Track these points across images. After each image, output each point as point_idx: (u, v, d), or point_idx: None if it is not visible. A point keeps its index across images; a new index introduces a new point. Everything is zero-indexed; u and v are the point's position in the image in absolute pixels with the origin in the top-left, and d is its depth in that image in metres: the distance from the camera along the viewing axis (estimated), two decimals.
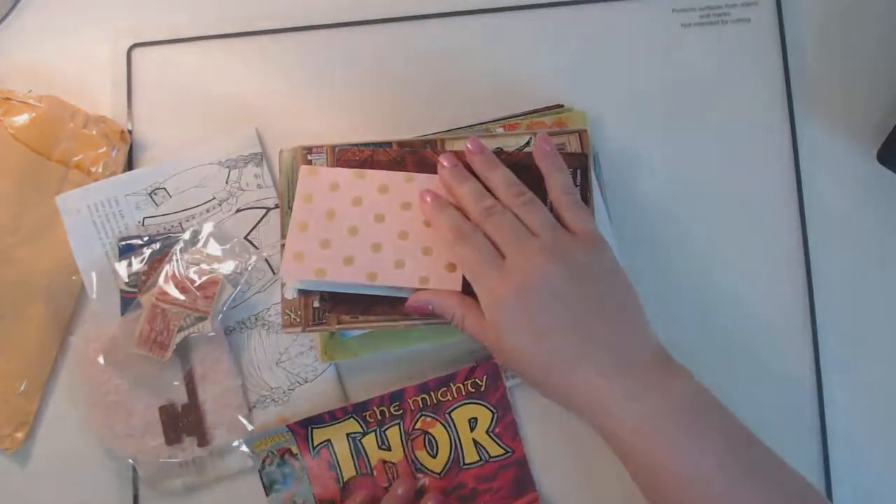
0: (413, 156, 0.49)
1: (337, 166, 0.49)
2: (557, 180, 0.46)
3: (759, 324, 0.51)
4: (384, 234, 0.47)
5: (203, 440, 0.51)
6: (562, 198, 0.46)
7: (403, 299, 0.47)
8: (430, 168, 0.49)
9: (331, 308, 0.48)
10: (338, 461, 0.50)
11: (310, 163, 0.49)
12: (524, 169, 0.47)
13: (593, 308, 0.42)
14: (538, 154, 0.47)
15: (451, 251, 0.46)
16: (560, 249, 0.43)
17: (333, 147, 0.49)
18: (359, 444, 0.50)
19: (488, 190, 0.47)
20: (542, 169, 0.47)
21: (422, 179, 0.48)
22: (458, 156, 0.48)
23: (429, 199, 0.47)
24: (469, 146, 0.48)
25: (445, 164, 0.47)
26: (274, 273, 0.53)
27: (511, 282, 0.42)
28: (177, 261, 0.51)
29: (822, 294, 0.51)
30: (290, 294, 0.48)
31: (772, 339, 0.51)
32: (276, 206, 0.54)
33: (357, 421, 0.50)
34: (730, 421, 0.41)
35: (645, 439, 0.40)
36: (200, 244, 0.52)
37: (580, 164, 0.48)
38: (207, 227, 0.52)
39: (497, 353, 0.44)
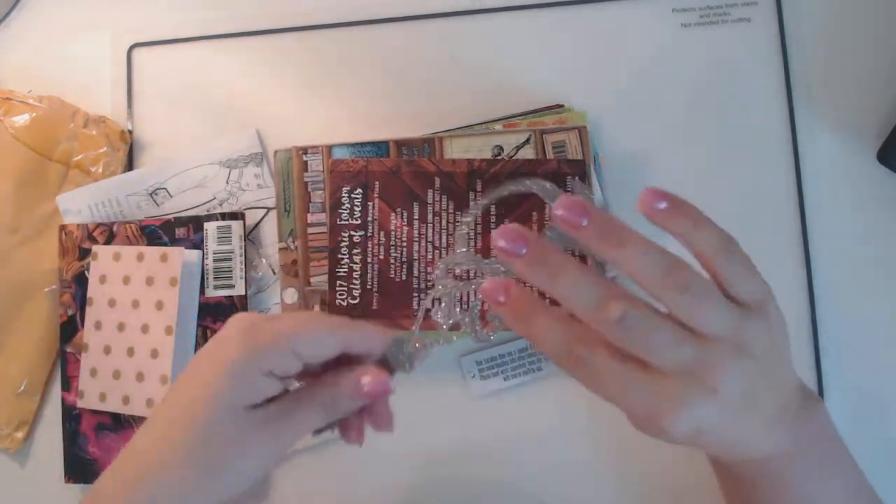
0: (409, 165, 0.49)
1: (330, 179, 0.49)
2: (708, 236, 0.32)
3: None
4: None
5: None
6: (720, 257, 0.32)
7: (405, 308, 0.47)
8: (425, 179, 0.48)
9: None
10: None
11: (306, 163, 0.49)
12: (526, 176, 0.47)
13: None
14: (653, 214, 0.31)
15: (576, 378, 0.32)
16: (749, 344, 0.31)
17: (329, 147, 0.49)
18: None
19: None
20: (674, 229, 0.31)
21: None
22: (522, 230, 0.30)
23: (502, 298, 0.31)
24: (565, 214, 0.30)
25: (507, 245, 0.30)
26: (274, 273, 0.53)
27: (715, 400, 0.31)
28: None
29: (823, 293, 0.51)
30: (290, 299, 0.48)
31: None
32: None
33: None
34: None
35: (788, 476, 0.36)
36: None
37: (579, 171, 0.48)
38: None
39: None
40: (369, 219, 0.48)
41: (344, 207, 0.48)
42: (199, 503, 0.33)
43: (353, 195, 0.48)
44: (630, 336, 0.30)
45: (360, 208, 0.48)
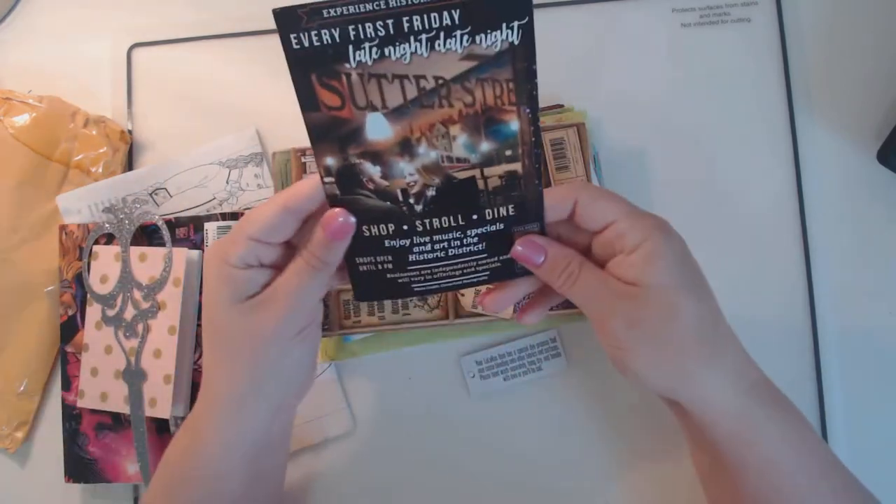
0: None
1: None
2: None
3: (758, 324, 0.51)
4: None
5: None
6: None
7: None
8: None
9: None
10: None
11: (304, 165, 0.49)
12: None
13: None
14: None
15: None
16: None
17: None
18: None
19: None
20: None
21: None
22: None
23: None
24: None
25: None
26: None
27: (674, 233, 0.38)
28: None
29: (823, 293, 0.51)
30: None
31: (772, 340, 0.51)
32: None
33: None
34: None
35: (741, 425, 0.39)
36: None
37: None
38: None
39: (629, 312, 0.37)
40: None
41: None
42: (255, 392, 0.38)
43: None
44: None
45: None
